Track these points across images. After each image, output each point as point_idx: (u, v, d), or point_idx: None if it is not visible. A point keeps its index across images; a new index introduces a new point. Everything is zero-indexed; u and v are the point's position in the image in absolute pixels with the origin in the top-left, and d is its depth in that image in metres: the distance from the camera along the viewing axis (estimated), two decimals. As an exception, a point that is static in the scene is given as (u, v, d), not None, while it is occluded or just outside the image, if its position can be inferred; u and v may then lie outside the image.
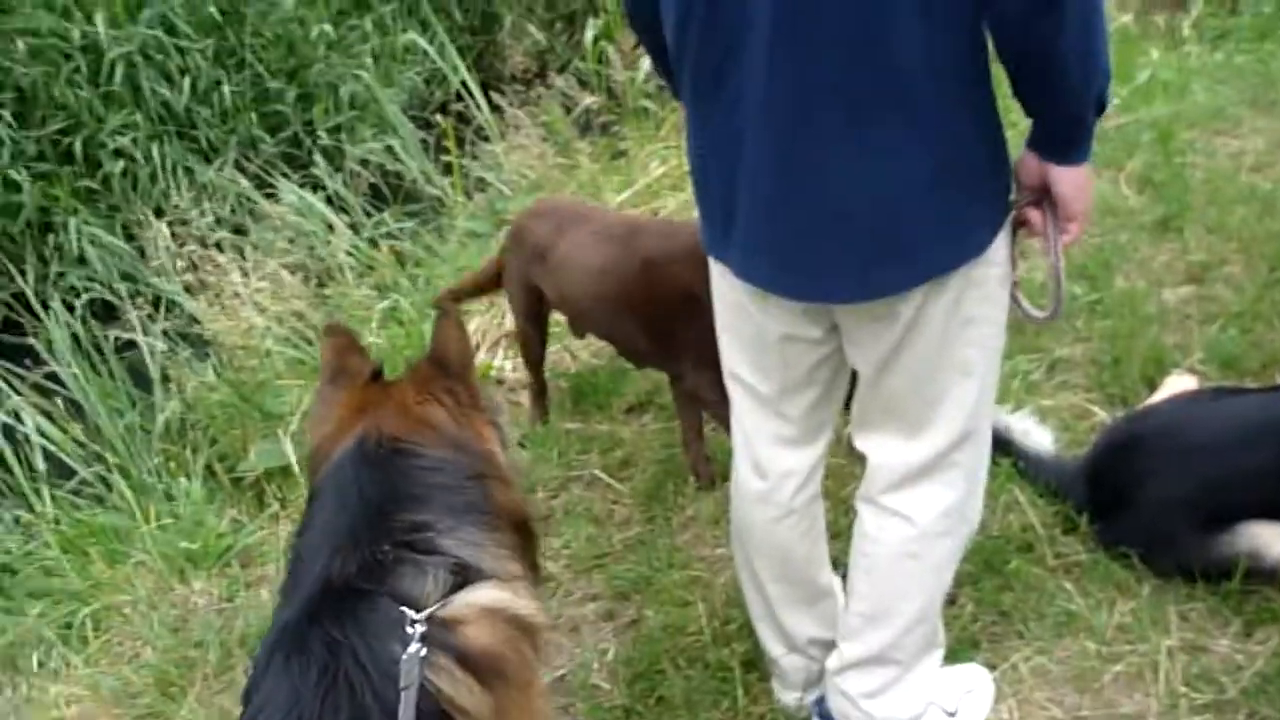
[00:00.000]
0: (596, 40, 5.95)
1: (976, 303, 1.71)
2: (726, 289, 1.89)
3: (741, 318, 1.89)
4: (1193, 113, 4.33)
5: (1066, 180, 1.63)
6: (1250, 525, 2.27)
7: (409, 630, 1.42)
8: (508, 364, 3.67)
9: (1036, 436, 2.77)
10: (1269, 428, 2.31)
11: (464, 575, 1.54)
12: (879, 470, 1.91)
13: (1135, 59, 5.10)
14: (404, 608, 1.45)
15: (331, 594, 1.48)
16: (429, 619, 1.45)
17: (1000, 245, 1.70)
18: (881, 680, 2.01)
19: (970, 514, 1.97)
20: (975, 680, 2.22)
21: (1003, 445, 2.70)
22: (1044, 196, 1.69)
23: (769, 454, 1.98)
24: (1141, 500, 2.38)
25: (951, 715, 2.12)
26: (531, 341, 3.10)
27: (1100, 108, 1.56)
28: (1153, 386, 2.89)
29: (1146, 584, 2.38)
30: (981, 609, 2.40)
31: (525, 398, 3.37)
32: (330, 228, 4.74)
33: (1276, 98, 4.38)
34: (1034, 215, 1.72)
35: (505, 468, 1.80)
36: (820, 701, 2.17)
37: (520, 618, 1.58)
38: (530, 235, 2.90)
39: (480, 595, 1.54)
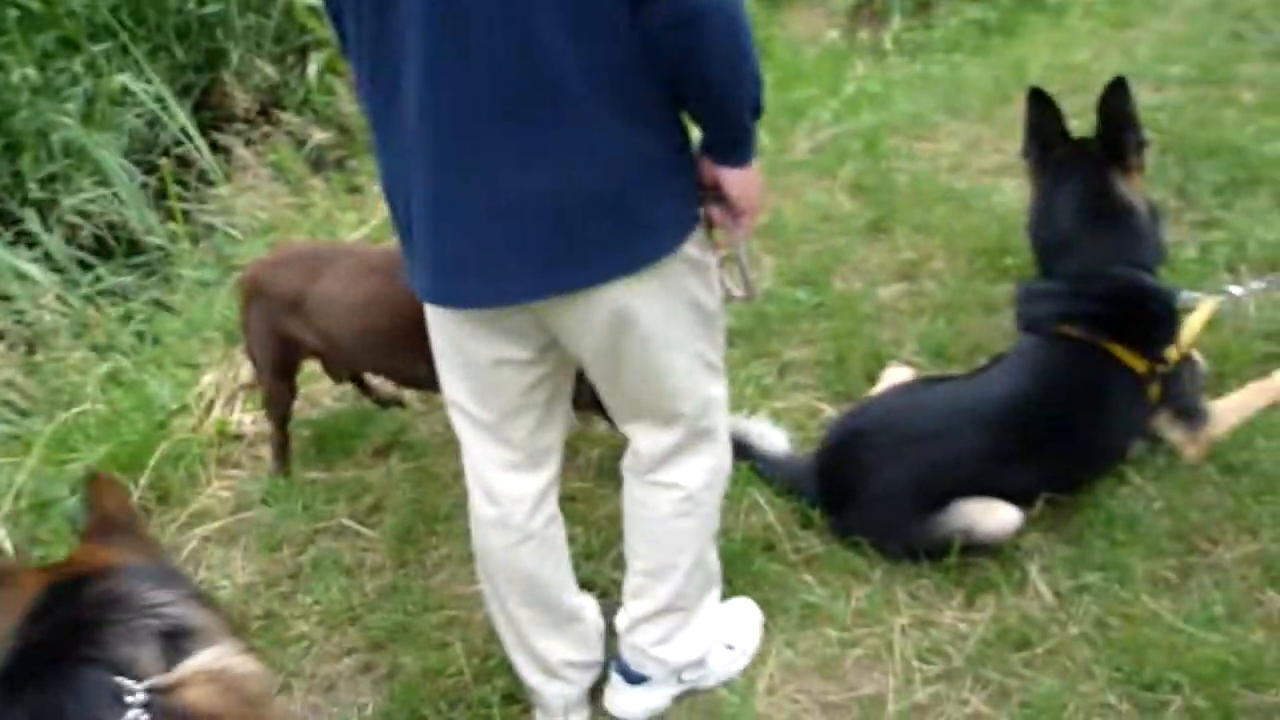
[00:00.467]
0: (323, 74, 5.81)
1: (680, 294, 1.81)
2: (434, 316, 1.92)
3: (451, 345, 1.91)
4: (896, 121, 4.66)
5: (733, 180, 1.78)
6: (961, 504, 2.44)
7: (128, 699, 1.33)
8: (246, 417, 3.51)
9: (772, 438, 2.89)
10: (969, 412, 2.51)
11: (181, 638, 1.46)
12: (642, 453, 2.03)
13: (843, 73, 5.44)
14: (118, 676, 1.35)
15: (32, 663, 1.37)
16: (149, 688, 1.35)
17: (693, 241, 1.79)
18: (669, 627, 2.16)
19: (727, 461, 2.12)
20: (745, 613, 2.41)
21: (741, 449, 2.81)
22: (720, 194, 1.81)
23: (498, 480, 2.02)
24: (866, 490, 2.52)
25: (730, 648, 2.32)
26: (282, 397, 2.99)
27: (755, 113, 1.68)
28: (873, 380, 3.08)
29: (879, 568, 2.52)
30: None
31: (266, 452, 3.23)
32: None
33: (967, 103, 4.77)
34: (714, 212, 1.85)
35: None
36: (617, 658, 2.26)
37: (243, 678, 1.51)
38: (276, 284, 2.79)
39: (202, 659, 1.46)
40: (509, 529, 2.03)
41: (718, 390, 2.02)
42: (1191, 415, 2.69)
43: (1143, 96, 4.58)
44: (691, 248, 1.79)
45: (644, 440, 2.02)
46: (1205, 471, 2.67)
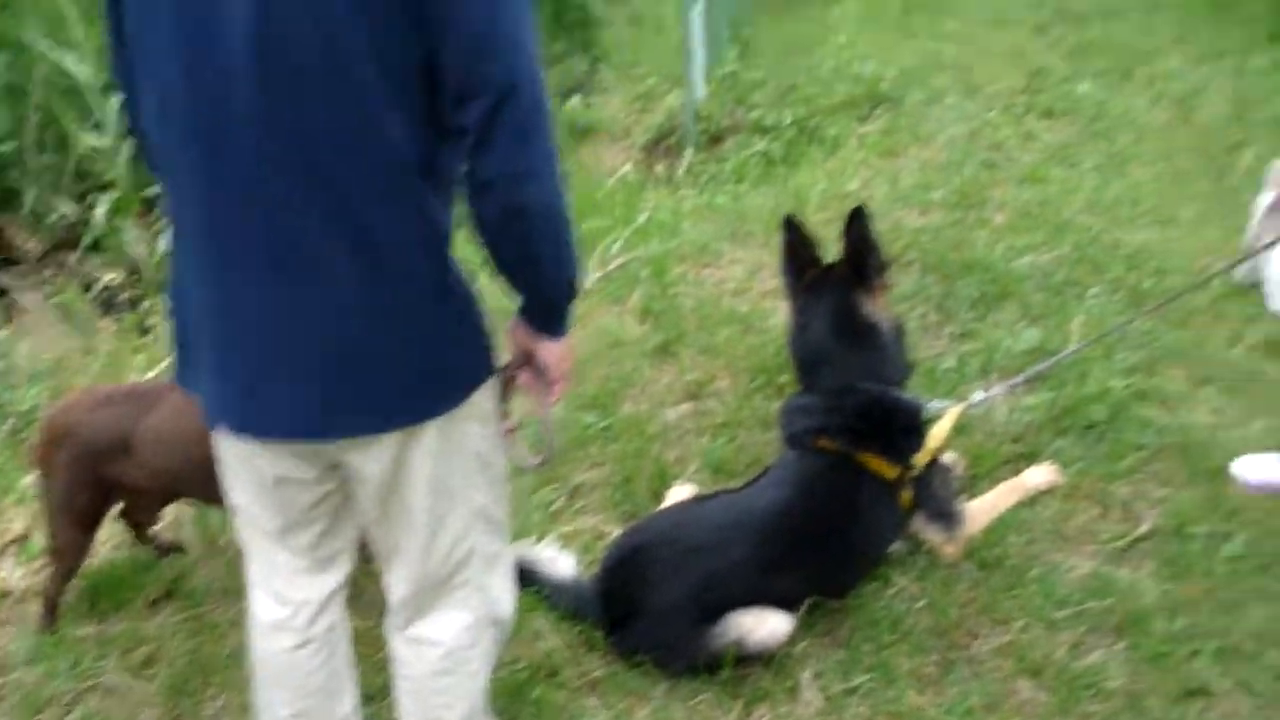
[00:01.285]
0: (113, 214, 5.70)
1: (463, 448, 1.85)
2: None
3: (237, 459, 1.91)
4: (684, 249, 4.88)
5: (548, 350, 1.85)
6: (734, 615, 2.53)
7: None
8: (18, 571, 3.32)
9: (561, 564, 2.92)
10: (738, 525, 2.61)
11: None
12: (398, 604, 2.01)
13: (636, 204, 5.68)
14: None
15: None
16: None
17: (484, 397, 1.84)
18: None
19: (499, 613, 2.09)
20: None
21: (527, 577, 2.83)
22: (531, 359, 1.89)
23: (283, 582, 2.02)
24: (645, 607, 2.58)
25: None
26: (79, 548, 2.86)
27: (572, 294, 1.77)
28: (660, 500, 3.16)
29: (660, 686, 2.56)
30: (514, 741, 2.47)
31: (36, 607, 3.05)
32: None
33: (750, 231, 5.03)
34: (524, 378, 1.93)
35: None
36: None
37: None
38: (92, 428, 2.70)
39: None
40: (289, 631, 2.03)
41: (493, 546, 2.01)
42: (946, 517, 2.87)
43: (908, 220, 5.01)
44: (482, 401, 1.83)
45: (400, 588, 1.99)
46: (963, 569, 2.84)
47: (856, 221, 2.88)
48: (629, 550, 2.70)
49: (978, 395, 3.14)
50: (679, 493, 3.14)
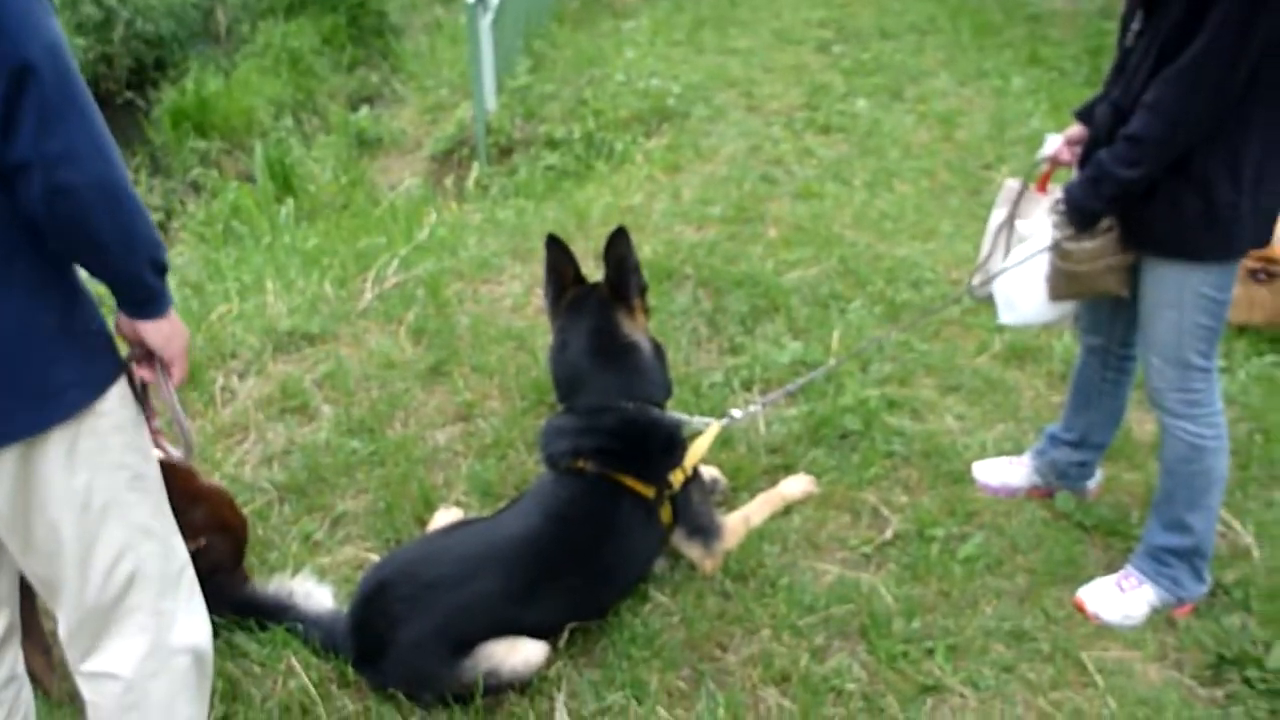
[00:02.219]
0: None
1: (102, 461, 1.78)
2: None
3: None
4: (463, 266, 4.84)
5: (152, 332, 1.81)
6: (486, 645, 2.51)
7: None
8: None
9: (318, 596, 2.85)
10: (486, 554, 2.60)
11: None
12: (67, 639, 1.90)
13: (419, 219, 5.61)
14: None
15: None
16: None
17: (115, 405, 1.78)
18: None
19: (189, 641, 1.97)
20: None
21: (281, 611, 2.75)
22: (144, 347, 1.84)
23: None
24: (394, 641, 2.53)
25: None
26: None
27: (159, 270, 1.73)
28: (424, 525, 3.12)
29: (414, 717, 2.52)
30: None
31: None
32: None
33: (531, 246, 5.04)
34: (143, 371, 1.87)
35: None
36: None
37: None
38: None
39: None
40: None
41: (164, 565, 1.93)
42: (705, 532, 2.94)
43: (686, 235, 5.12)
44: (111, 408, 1.78)
45: (68, 621, 1.89)
46: (718, 580, 2.91)
47: (617, 242, 2.92)
48: (374, 585, 2.64)
49: (736, 412, 3.22)
50: (444, 516, 3.11)
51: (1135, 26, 2.54)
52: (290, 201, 6.67)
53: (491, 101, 7.68)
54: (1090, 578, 2.95)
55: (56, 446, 1.72)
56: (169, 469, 2.02)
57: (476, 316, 4.34)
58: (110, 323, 1.86)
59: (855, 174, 6.16)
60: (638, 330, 2.98)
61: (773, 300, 4.41)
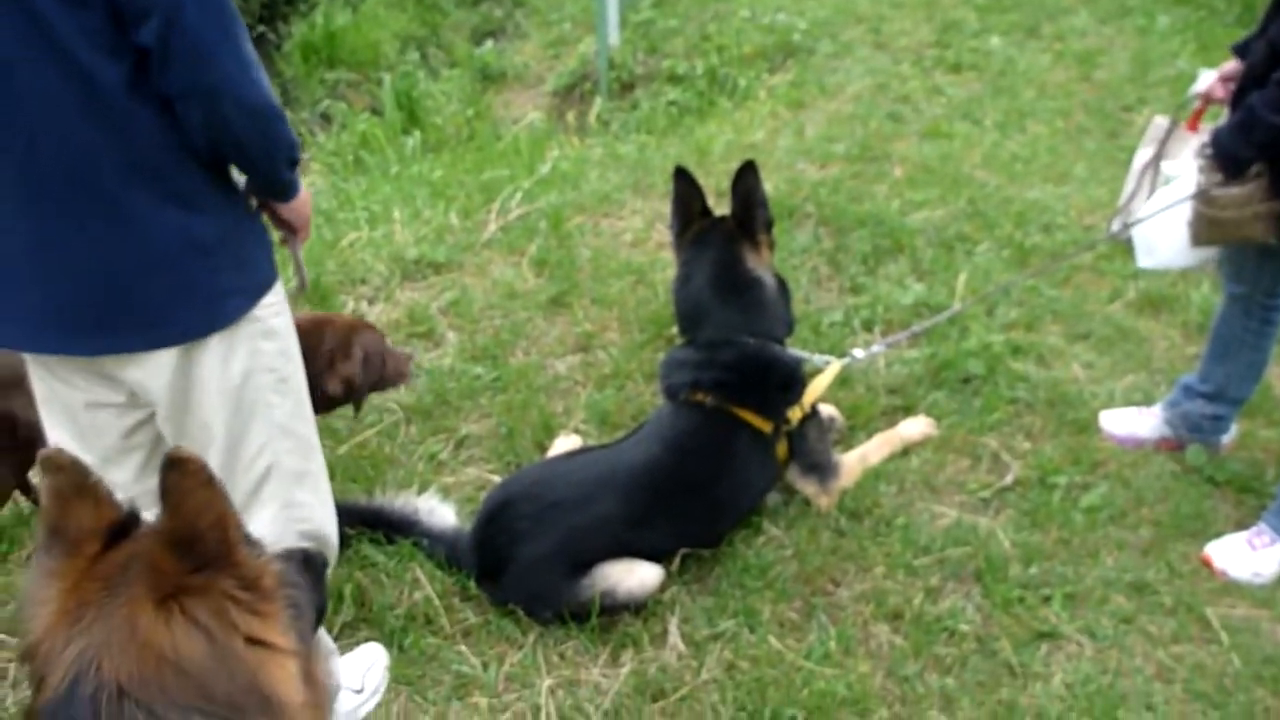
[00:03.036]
0: None
1: (254, 364, 1.91)
2: (33, 366, 1.93)
3: (50, 392, 1.93)
4: (585, 199, 4.86)
5: (286, 210, 2.05)
6: (604, 566, 2.58)
7: None
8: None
9: (441, 514, 2.94)
10: (607, 480, 2.65)
11: None
12: None
13: (541, 154, 5.65)
14: None
15: None
16: None
17: (269, 313, 1.91)
18: None
19: (310, 529, 2.09)
20: (372, 657, 2.48)
21: (406, 526, 2.85)
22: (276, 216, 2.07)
23: None
24: (515, 559, 2.61)
25: (359, 691, 2.39)
26: None
27: (292, 164, 1.89)
28: (544, 451, 3.19)
29: (531, 634, 2.61)
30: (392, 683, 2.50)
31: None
32: None
33: (652, 182, 5.04)
34: (280, 233, 2.12)
35: (296, 706, 1.25)
36: None
37: None
38: None
39: None
40: None
41: (299, 464, 2.05)
42: (821, 469, 2.94)
43: (809, 173, 5.05)
44: (264, 316, 1.90)
45: None
46: (833, 518, 2.92)
47: (745, 176, 2.91)
48: (498, 504, 2.72)
49: (858, 352, 3.20)
50: (563, 443, 3.17)
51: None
52: (416, 133, 6.78)
53: (614, 36, 7.65)
54: (1219, 534, 2.88)
55: (215, 350, 1.84)
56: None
57: (597, 250, 4.38)
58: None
59: (986, 114, 5.97)
60: (762, 265, 2.98)
61: (897, 241, 4.34)
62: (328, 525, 2.15)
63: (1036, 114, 5.96)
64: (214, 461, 1.93)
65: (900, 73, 6.68)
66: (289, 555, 1.43)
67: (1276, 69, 2.36)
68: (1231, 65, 2.70)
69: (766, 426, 2.81)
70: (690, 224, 3.04)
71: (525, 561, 2.60)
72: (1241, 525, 2.90)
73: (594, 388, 3.51)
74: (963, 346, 3.61)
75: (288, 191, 1.97)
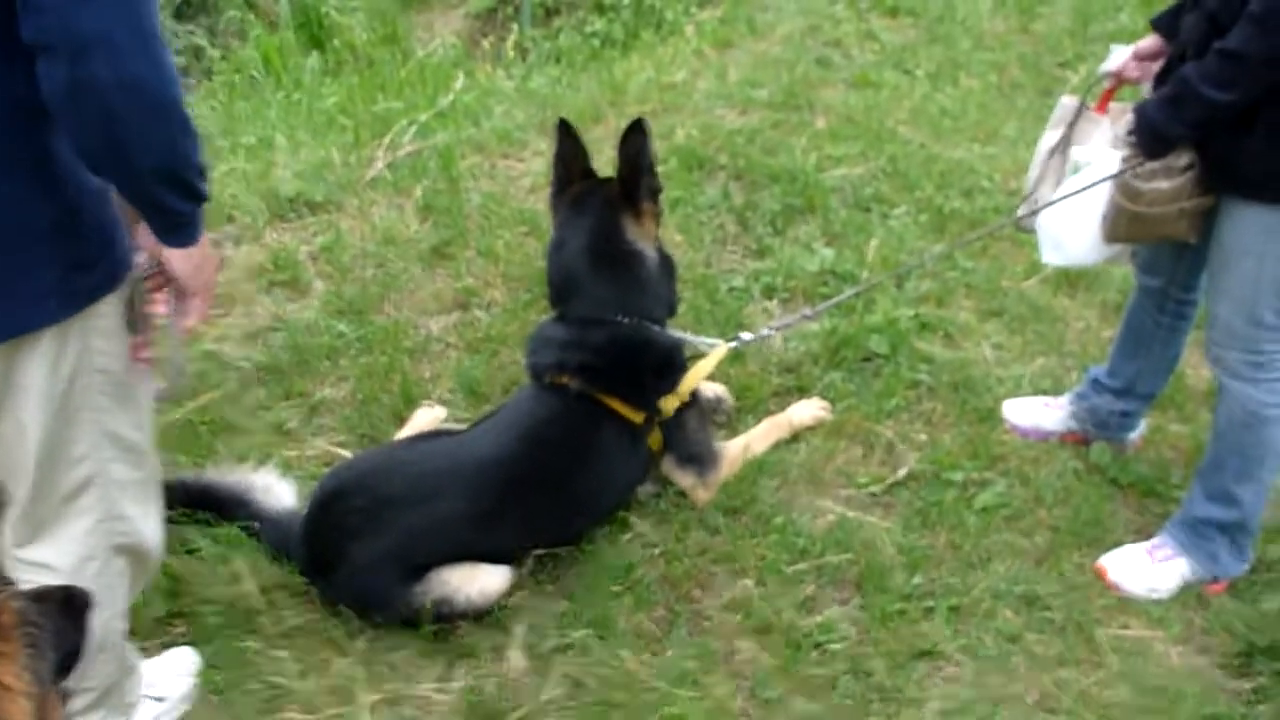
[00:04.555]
0: None
1: (85, 364, 1.66)
2: None
3: None
4: (485, 136, 4.51)
5: (179, 260, 1.65)
6: (441, 571, 2.32)
7: None
8: None
9: (277, 492, 2.66)
10: (451, 474, 2.39)
11: None
12: (10, 525, 1.80)
13: (446, 84, 5.26)
14: None
15: None
16: None
17: (107, 307, 1.65)
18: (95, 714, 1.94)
19: (135, 543, 1.87)
20: (181, 662, 2.24)
21: (238, 505, 2.57)
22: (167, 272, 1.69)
23: None
24: (347, 557, 2.34)
25: (160, 700, 2.15)
26: None
27: (197, 197, 1.55)
28: (401, 422, 2.91)
29: (361, 638, 2.36)
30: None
31: None
32: None
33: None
34: (157, 302, 1.72)
35: None
36: None
37: None
38: None
39: None
40: None
41: (129, 474, 1.81)
42: (699, 460, 2.71)
43: (727, 120, 4.74)
44: (104, 312, 1.64)
45: (18, 508, 1.77)
46: (708, 513, 2.68)
47: (634, 135, 2.62)
48: (330, 492, 2.44)
49: (746, 335, 2.94)
50: (424, 415, 2.90)
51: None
52: (316, 55, 6.32)
53: (541, -43, 7.22)
54: (1118, 542, 2.70)
55: (39, 349, 1.61)
56: None
57: (490, 194, 4.04)
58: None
59: (919, 63, 5.68)
60: (644, 238, 2.70)
61: (810, 199, 4.06)
62: (151, 538, 1.91)
63: (970, 66, 5.68)
64: (24, 464, 1.70)
65: (834, 14, 6.34)
66: (44, 595, 1.41)
67: (1216, 40, 2.12)
68: (1148, 42, 2.44)
69: (636, 417, 2.56)
70: (570, 183, 2.74)
71: (355, 562, 2.33)
72: (1142, 533, 2.73)
73: (466, 352, 3.23)
74: (867, 321, 3.36)
75: (183, 229, 1.60)
